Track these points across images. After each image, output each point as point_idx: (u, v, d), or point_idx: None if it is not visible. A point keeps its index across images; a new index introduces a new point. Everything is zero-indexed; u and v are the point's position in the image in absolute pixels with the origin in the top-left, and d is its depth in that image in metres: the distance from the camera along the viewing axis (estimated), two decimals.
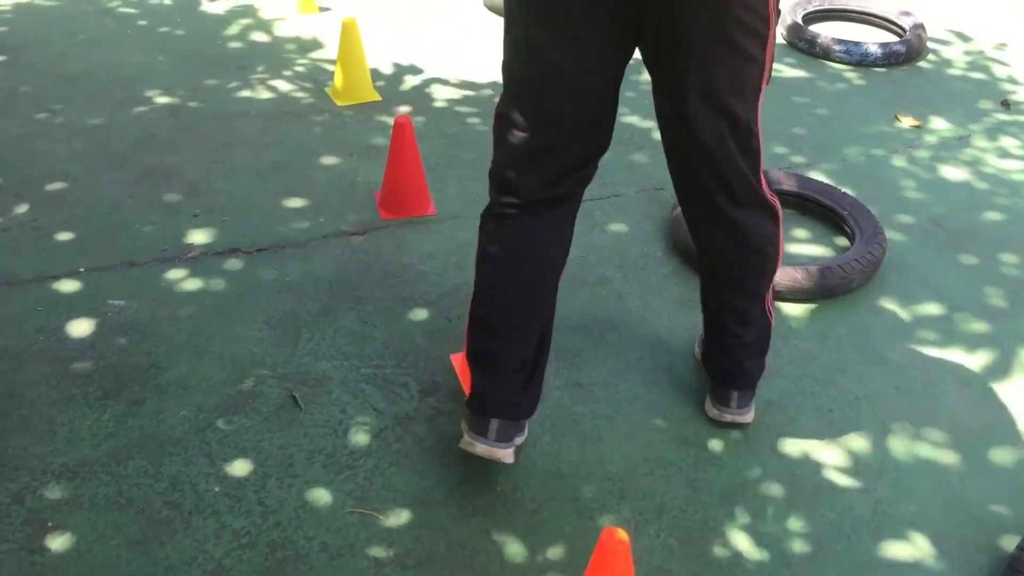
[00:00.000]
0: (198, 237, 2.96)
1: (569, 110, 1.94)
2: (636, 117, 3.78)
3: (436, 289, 2.79)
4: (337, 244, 2.97)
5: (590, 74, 1.92)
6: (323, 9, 4.60)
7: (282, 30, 4.38)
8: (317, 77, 3.97)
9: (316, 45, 4.25)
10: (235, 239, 2.96)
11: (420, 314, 2.70)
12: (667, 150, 2.14)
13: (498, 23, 4.58)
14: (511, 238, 2.06)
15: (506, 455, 2.11)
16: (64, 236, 2.94)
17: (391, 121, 3.65)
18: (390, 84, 3.95)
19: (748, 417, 2.36)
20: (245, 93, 3.82)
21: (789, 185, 3.21)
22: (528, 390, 2.17)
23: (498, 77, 4.24)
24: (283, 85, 3.90)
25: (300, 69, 4.03)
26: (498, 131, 2.03)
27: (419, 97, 3.87)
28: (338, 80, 3.78)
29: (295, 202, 3.16)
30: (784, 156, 3.56)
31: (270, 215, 3.09)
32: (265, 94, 3.82)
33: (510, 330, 2.12)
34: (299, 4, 4.52)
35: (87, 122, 3.55)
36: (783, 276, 2.76)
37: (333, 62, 4.05)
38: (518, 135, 1.98)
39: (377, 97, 3.82)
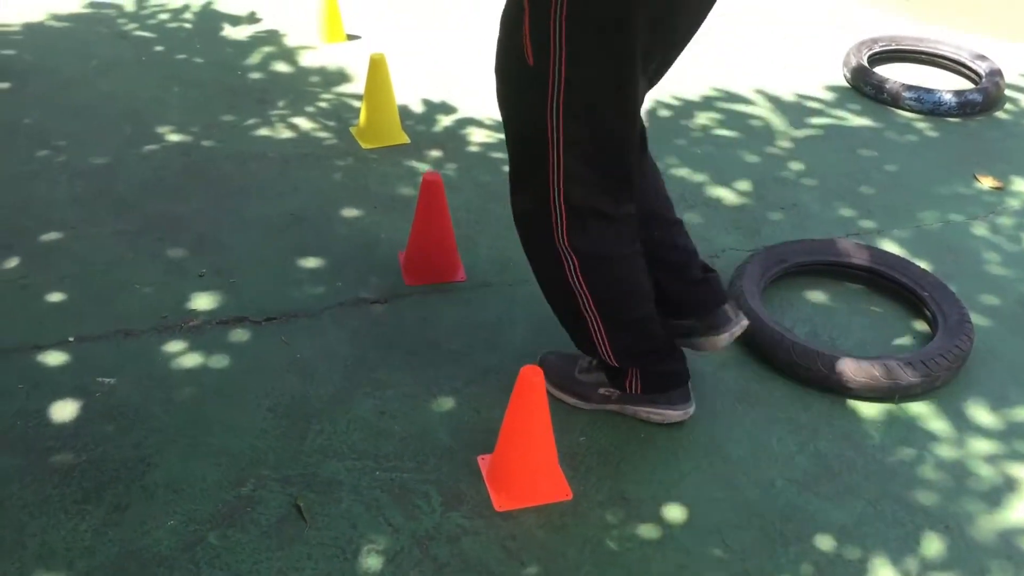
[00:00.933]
0: (202, 302, 2.67)
1: None
2: (686, 170, 3.46)
3: (463, 373, 2.48)
4: (355, 314, 2.67)
5: None
6: (351, 37, 4.31)
7: (306, 60, 4.10)
8: (342, 114, 3.68)
9: (342, 78, 3.96)
10: (243, 305, 2.67)
11: (445, 404, 2.39)
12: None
13: None
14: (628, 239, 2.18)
15: None
16: (55, 297, 2.66)
17: (420, 168, 3.36)
18: (420, 124, 3.65)
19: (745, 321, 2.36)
20: (263, 131, 3.54)
21: (860, 259, 2.88)
22: None
23: None
24: (304, 123, 3.61)
25: (324, 105, 3.75)
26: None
27: (451, 140, 3.57)
28: (364, 120, 3.49)
29: (311, 262, 2.86)
30: (851, 220, 3.22)
31: (282, 277, 2.79)
32: (285, 133, 3.53)
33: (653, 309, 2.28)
34: (326, 32, 4.23)
35: (91, 161, 3.28)
36: (857, 372, 2.43)
37: (359, 97, 3.77)
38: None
39: (405, 139, 3.52)
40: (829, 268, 2.91)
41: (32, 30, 4.17)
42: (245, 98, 3.75)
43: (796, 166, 3.53)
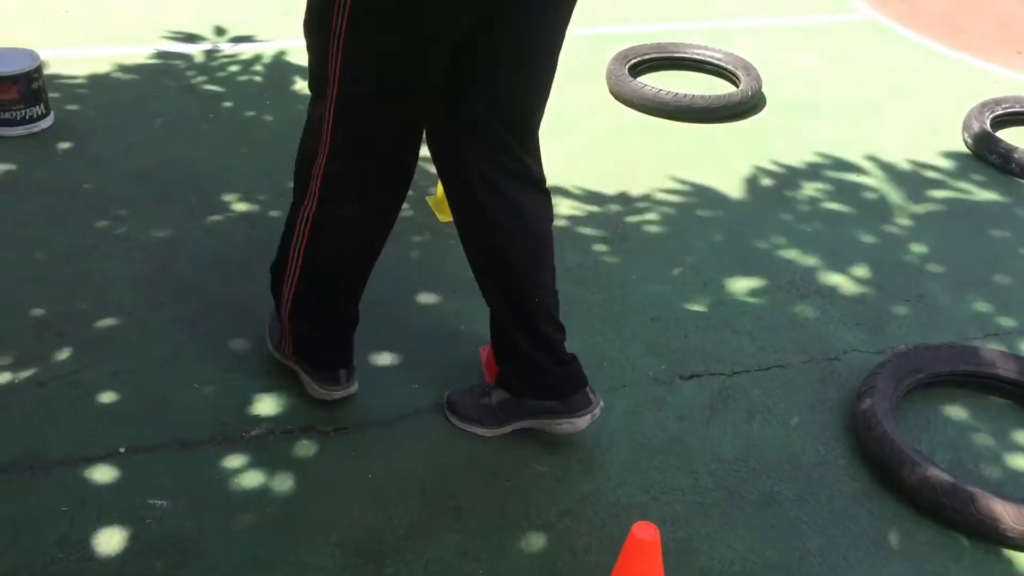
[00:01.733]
0: (265, 406, 2.42)
1: None
2: (795, 251, 3.13)
3: (556, 503, 2.18)
4: (433, 424, 2.39)
5: None
6: None
7: None
8: (417, 180, 3.41)
9: None
10: (309, 411, 2.40)
11: (536, 542, 2.09)
12: None
13: (628, 116, 3.97)
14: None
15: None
16: (107, 397, 2.42)
17: None
18: None
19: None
20: None
21: (1008, 370, 2.52)
22: None
23: (626, 186, 3.67)
24: None
25: None
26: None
27: None
28: (442, 190, 3.23)
29: (384, 358, 2.59)
30: (987, 316, 2.86)
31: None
32: None
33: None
34: None
35: (153, 235, 3.06)
36: (1019, 519, 2.08)
37: None
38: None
39: None
40: (971, 379, 2.56)
41: (97, 84, 3.99)
42: None
43: (919, 248, 3.18)
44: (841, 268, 3.06)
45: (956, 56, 4.69)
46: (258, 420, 2.37)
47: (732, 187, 3.50)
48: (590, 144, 3.75)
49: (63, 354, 2.56)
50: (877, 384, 2.43)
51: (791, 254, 3.12)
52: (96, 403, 2.41)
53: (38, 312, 2.70)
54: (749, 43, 4.69)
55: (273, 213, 3.19)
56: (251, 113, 3.83)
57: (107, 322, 2.68)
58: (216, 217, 3.17)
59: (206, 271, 2.91)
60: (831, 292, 2.94)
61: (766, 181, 3.55)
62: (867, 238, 3.23)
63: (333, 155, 2.11)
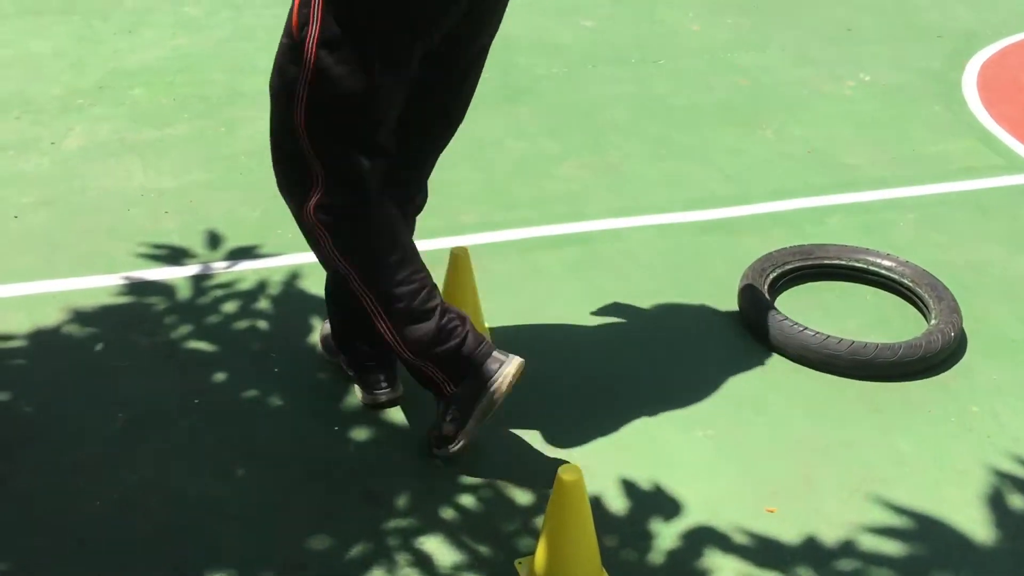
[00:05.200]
0: None
1: None
2: None
3: None
4: None
5: None
6: (489, 331, 2.94)
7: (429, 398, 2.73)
8: (499, 526, 2.28)
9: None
10: None
11: None
12: None
13: (776, 368, 2.80)
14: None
15: None
16: None
17: None
18: (627, 547, 2.23)
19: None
20: None
21: None
22: None
23: (807, 523, 2.17)
24: (442, 553, 2.19)
25: (469, 502, 2.33)
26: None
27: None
28: (543, 563, 2.08)
29: None
30: None
31: None
32: None
33: None
34: None
35: None
36: None
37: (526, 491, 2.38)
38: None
39: None
40: None
41: (41, 345, 2.81)
42: (346, 492, 2.35)
43: None
44: None
45: None
46: None
47: (973, 525, 2.30)
48: (734, 426, 2.59)
49: None
50: None
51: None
52: None
53: None
54: (913, 228, 3.54)
55: None
56: (252, 393, 2.67)
57: None
58: None
59: None
60: None
61: (1018, 501, 2.39)
62: None
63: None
